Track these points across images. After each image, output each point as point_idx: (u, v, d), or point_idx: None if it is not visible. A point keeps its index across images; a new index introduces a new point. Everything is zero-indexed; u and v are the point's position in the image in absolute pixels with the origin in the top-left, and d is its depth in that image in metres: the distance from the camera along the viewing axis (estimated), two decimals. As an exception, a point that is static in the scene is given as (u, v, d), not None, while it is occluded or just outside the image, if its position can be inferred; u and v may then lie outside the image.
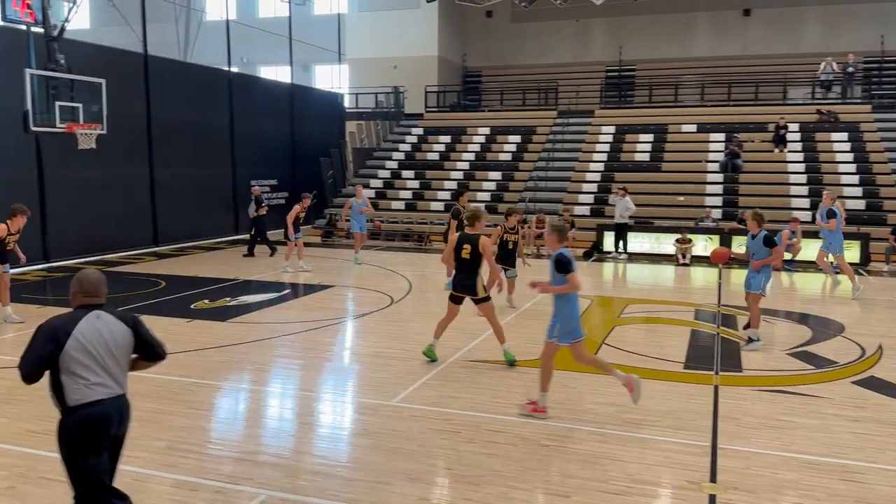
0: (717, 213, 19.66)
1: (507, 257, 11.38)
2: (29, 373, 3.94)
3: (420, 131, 27.15)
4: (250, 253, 17.45)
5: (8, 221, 10.02)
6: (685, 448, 5.98)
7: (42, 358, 3.91)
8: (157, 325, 10.28)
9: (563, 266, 6.46)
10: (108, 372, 4.01)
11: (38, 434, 6.10)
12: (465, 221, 8.50)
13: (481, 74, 32.35)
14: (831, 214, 13.36)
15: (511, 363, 8.28)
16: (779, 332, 10.31)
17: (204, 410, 6.92)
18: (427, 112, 28.84)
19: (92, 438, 3.97)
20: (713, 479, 5.42)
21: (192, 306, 11.58)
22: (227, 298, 12.25)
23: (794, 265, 16.27)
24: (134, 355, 4.23)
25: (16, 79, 13.38)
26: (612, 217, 18.46)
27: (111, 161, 17.14)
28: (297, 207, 15.53)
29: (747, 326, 9.46)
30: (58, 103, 13.42)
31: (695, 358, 8.81)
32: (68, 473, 4.01)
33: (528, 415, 6.61)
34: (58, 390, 3.95)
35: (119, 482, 5.19)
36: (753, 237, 9.22)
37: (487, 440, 6.08)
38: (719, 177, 21.58)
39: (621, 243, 18.10)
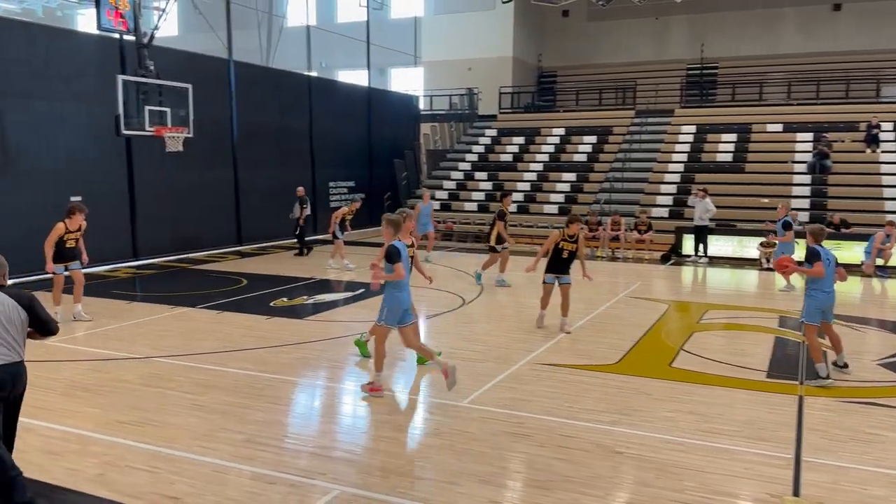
0: (804, 216, 18.85)
1: (558, 265, 10.06)
2: None
3: (493, 132, 27.11)
4: (305, 252, 17.97)
5: (66, 220, 10.11)
6: (767, 459, 5.76)
7: None
8: (238, 322, 10.68)
9: (390, 256, 7.10)
10: (4, 342, 4.72)
11: (127, 424, 6.39)
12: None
13: (556, 74, 32.06)
14: (787, 226, 12.64)
15: (361, 348, 8.64)
16: (870, 340, 9.80)
17: (281, 405, 7.10)
18: (501, 113, 28.78)
19: None
20: (796, 493, 5.19)
21: (271, 304, 11.91)
22: (305, 297, 12.53)
23: (886, 271, 15.44)
24: (29, 329, 4.94)
25: (109, 84, 14.07)
26: (692, 219, 17.96)
27: (197, 163, 17.80)
28: (344, 209, 15.86)
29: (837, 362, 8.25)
30: (147, 108, 14.00)
31: (778, 367, 8.47)
32: None
33: (369, 395, 7.14)
34: None
35: (199, 473, 5.40)
36: None
37: (559, 445, 6.01)
38: (807, 178, 20.71)
39: (701, 246, 17.61)
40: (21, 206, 13.99)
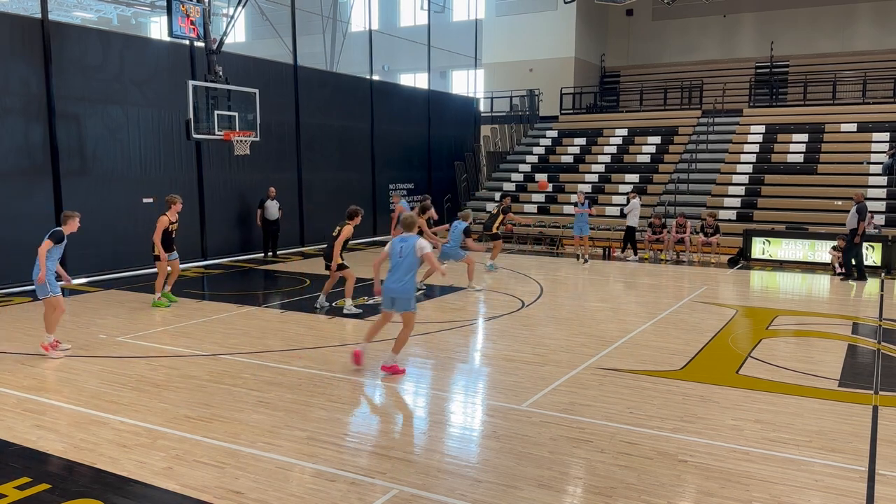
0: (879, 219, 18.09)
1: None
2: None
3: (554, 134, 26.89)
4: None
5: (348, 222, 11.26)
6: (838, 471, 5.54)
7: None
8: (301, 321, 10.87)
9: None
10: None
11: (195, 420, 6.59)
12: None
13: (620, 74, 31.60)
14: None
15: None
16: (952, 350, 9.32)
17: (342, 404, 7.19)
18: (562, 114, 28.53)
19: None
20: (871, 509, 4.98)
21: (333, 304, 12.09)
22: (365, 297, 12.67)
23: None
24: None
25: (180, 90, 14.54)
26: (756, 222, 17.44)
27: (263, 166, 18.24)
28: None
29: None
30: (216, 112, 14.41)
31: (851, 375, 8.14)
32: None
33: None
34: None
35: (263, 469, 5.53)
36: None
37: (621, 451, 5.91)
38: (882, 180, 19.86)
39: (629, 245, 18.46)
40: (97, 206, 14.57)
